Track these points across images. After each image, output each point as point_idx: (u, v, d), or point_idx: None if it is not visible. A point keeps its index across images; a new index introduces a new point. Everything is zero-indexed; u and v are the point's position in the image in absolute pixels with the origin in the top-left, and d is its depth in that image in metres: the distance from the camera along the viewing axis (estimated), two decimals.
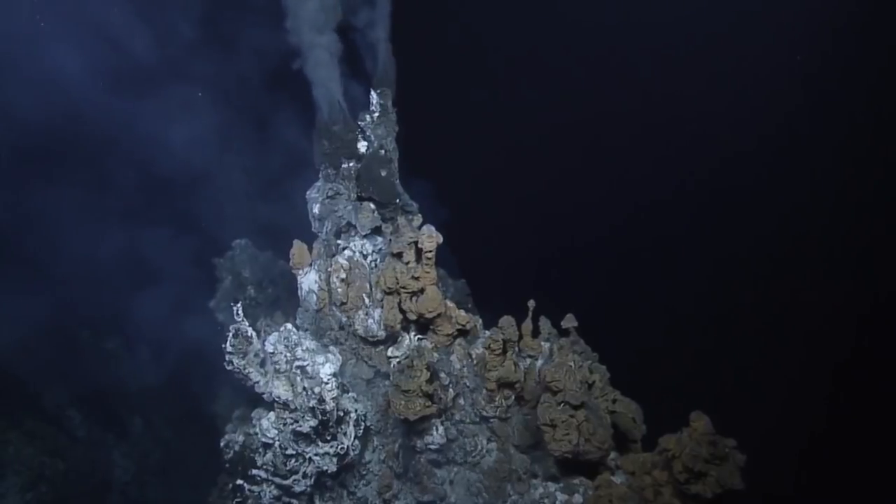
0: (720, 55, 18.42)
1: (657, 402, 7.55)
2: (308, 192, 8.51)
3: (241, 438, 7.55)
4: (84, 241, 11.72)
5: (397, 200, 8.09)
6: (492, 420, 7.56)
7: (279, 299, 10.50)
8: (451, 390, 7.49)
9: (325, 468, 7.26)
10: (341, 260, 7.85)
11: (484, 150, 18.76)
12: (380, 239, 8.23)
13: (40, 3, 11.65)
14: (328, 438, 7.17)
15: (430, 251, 7.39)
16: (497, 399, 7.45)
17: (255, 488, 7.39)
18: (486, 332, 7.85)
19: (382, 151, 8.12)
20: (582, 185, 18.95)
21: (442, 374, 7.49)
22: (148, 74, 11.92)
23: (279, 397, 7.11)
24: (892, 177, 17.78)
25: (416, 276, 7.36)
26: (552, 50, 19.30)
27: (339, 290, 7.75)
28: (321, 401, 7.08)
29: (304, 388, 7.12)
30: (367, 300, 7.70)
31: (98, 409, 13.14)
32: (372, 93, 8.20)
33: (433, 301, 7.37)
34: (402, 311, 7.54)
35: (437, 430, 7.39)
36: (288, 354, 7.23)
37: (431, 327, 7.67)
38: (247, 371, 7.13)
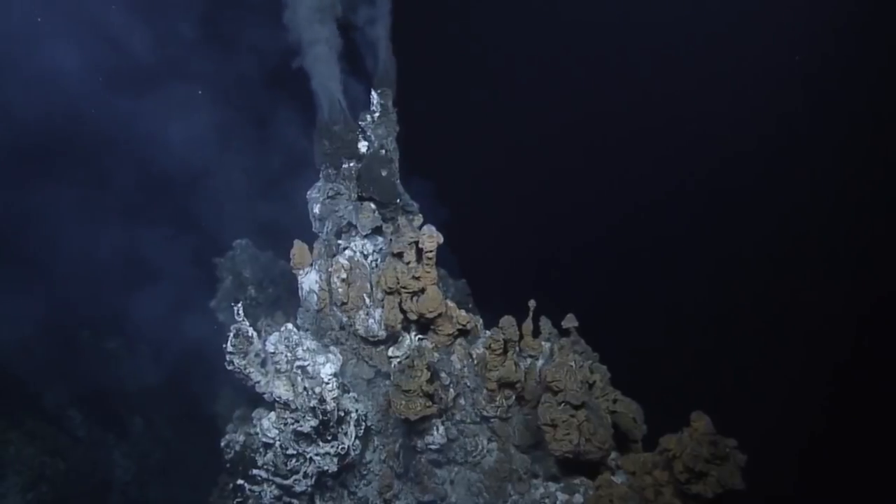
0: (720, 55, 18.42)
1: (658, 402, 7.55)
2: (309, 192, 8.52)
3: (241, 438, 7.56)
4: (85, 241, 11.73)
5: (398, 200, 8.09)
6: (492, 420, 7.57)
7: (280, 299, 10.50)
8: (451, 390, 7.49)
9: (325, 468, 7.26)
10: (342, 260, 7.85)
11: (484, 149, 18.77)
12: (380, 239, 8.24)
13: (38, 1, 11.63)
14: (329, 438, 7.18)
15: (431, 251, 7.40)
16: (498, 399, 7.46)
17: (255, 488, 7.39)
18: (487, 331, 7.86)
19: (383, 151, 8.13)
20: (582, 185, 18.96)
21: (442, 374, 7.49)
22: (149, 74, 11.92)
23: (280, 397, 7.11)
24: (892, 177, 17.78)
25: (416, 275, 7.37)
26: (552, 50, 19.31)
27: (340, 290, 7.75)
28: (322, 401, 7.09)
29: (305, 388, 7.12)
30: (367, 300, 7.70)
31: (99, 409, 13.15)
32: (372, 93, 8.21)
33: (434, 301, 7.37)
34: (402, 311, 7.54)
35: (437, 429, 7.39)
36: (289, 354, 7.23)
37: (432, 327, 7.68)
38: (247, 371, 7.13)
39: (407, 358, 7.18)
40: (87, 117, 11.64)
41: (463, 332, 7.74)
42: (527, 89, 19.54)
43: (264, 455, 7.32)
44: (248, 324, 7.19)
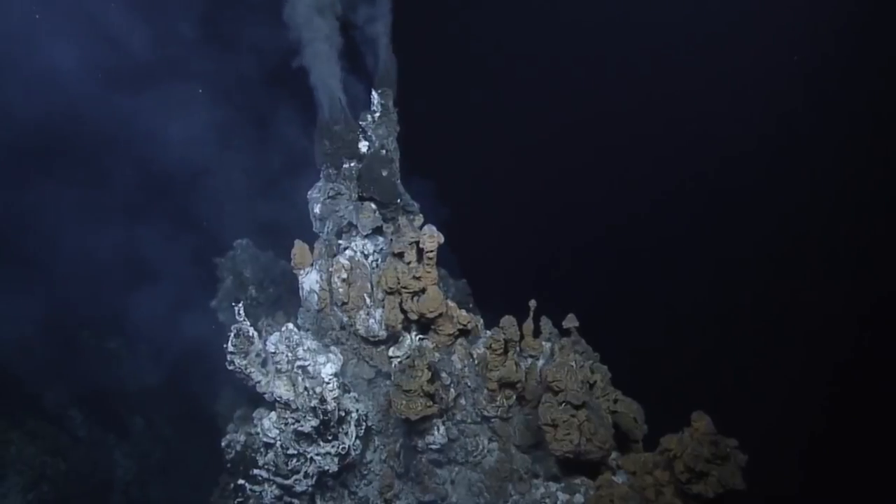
0: (720, 55, 18.41)
1: (658, 401, 7.55)
2: (309, 192, 8.52)
3: (242, 438, 7.56)
4: (86, 241, 11.72)
5: (398, 200, 8.10)
6: (493, 420, 7.57)
7: (280, 299, 10.51)
8: (452, 390, 7.49)
9: (326, 468, 7.27)
10: (343, 260, 7.86)
11: (485, 149, 18.76)
12: (381, 239, 8.24)
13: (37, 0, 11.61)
14: (329, 438, 7.18)
15: (432, 251, 7.40)
16: (498, 399, 7.46)
17: (256, 488, 7.39)
18: (488, 331, 7.86)
19: (384, 151, 8.13)
20: (582, 185, 18.95)
21: (443, 374, 7.49)
22: (150, 74, 11.93)
23: (281, 397, 7.11)
24: (893, 177, 17.78)
25: (417, 275, 7.37)
26: (553, 50, 19.30)
27: (341, 289, 7.75)
28: (322, 401, 7.09)
29: (306, 388, 7.12)
30: (368, 300, 7.71)
31: (99, 409, 13.16)
32: (373, 93, 8.21)
33: (434, 301, 7.37)
34: (403, 311, 7.54)
35: (438, 429, 7.40)
36: (289, 354, 7.24)
37: (433, 327, 7.68)
38: (248, 371, 7.14)
39: (408, 358, 7.19)
40: (89, 117, 11.64)
41: (464, 332, 7.74)
42: (527, 89, 19.53)
43: (265, 455, 7.32)
44: (248, 324, 7.19)
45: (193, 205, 12.13)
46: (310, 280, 8.06)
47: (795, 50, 18.26)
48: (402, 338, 7.76)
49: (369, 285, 7.79)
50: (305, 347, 7.30)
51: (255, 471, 7.34)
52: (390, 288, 7.46)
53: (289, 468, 7.22)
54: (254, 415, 7.65)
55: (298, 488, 7.32)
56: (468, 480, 7.59)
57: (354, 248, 8.08)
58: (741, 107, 18.87)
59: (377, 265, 8.08)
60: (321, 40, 8.00)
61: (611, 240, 19.05)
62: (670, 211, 19.52)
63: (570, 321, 7.47)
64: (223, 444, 7.69)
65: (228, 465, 7.59)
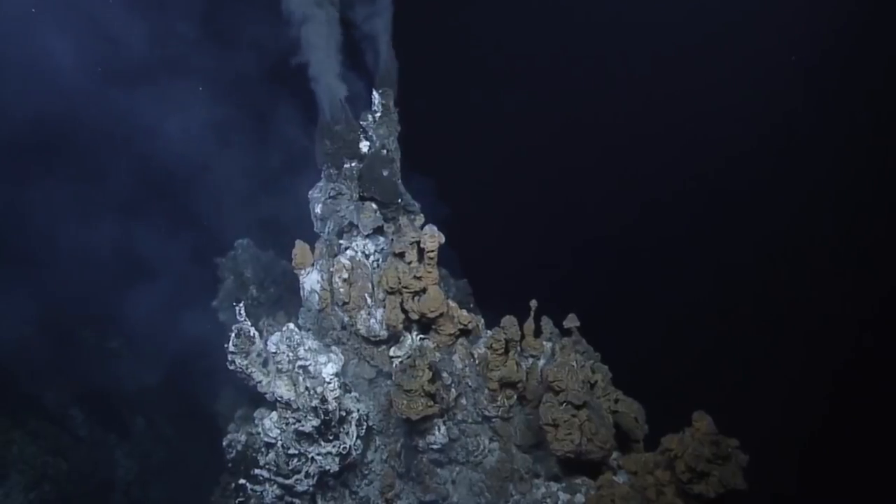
0: (721, 55, 18.41)
1: (659, 401, 7.55)
2: (310, 192, 8.53)
3: (243, 438, 7.57)
4: (87, 241, 11.74)
5: (399, 200, 8.10)
6: (494, 420, 7.57)
7: (281, 299, 10.51)
8: (453, 390, 7.49)
9: (327, 468, 7.27)
10: (343, 260, 7.86)
11: (486, 149, 18.76)
12: (382, 239, 8.25)
13: None
14: (330, 438, 7.18)
15: (432, 251, 7.40)
16: (499, 399, 7.46)
17: (257, 488, 7.40)
18: (488, 331, 7.85)
19: (384, 151, 8.13)
20: (583, 185, 18.94)
21: (444, 374, 7.50)
22: (151, 74, 11.92)
23: (281, 397, 7.12)
24: (893, 177, 17.77)
25: (418, 275, 7.37)
26: (553, 49, 19.29)
27: (342, 289, 7.75)
28: (323, 400, 7.09)
29: (307, 388, 7.13)
30: (369, 300, 7.71)
31: (101, 409, 13.17)
32: (374, 92, 8.21)
33: (435, 301, 7.37)
34: (404, 310, 7.54)
35: (439, 429, 7.40)
36: (290, 354, 7.24)
37: (433, 327, 7.68)
38: (249, 371, 7.14)
39: (408, 358, 7.19)
40: (92, 117, 11.65)
41: (464, 332, 7.74)
42: (528, 89, 19.53)
43: (266, 455, 7.32)
44: (249, 323, 7.20)
45: (194, 204, 12.15)
46: (311, 280, 8.07)
47: (795, 50, 18.25)
48: (403, 338, 7.76)
49: (370, 285, 7.79)
50: (306, 347, 7.31)
51: (257, 470, 7.34)
52: (391, 288, 7.46)
53: (290, 468, 7.23)
54: (255, 414, 7.65)
55: (299, 488, 7.33)
56: (469, 480, 7.59)
57: (355, 247, 8.08)
58: (742, 107, 18.85)
59: (378, 265, 8.08)
60: (322, 41, 8.00)
61: (612, 239, 19.05)
62: (671, 210, 19.51)
63: (571, 321, 7.47)
64: (224, 443, 7.70)
65: (229, 465, 7.60)
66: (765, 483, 6.96)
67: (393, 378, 7.36)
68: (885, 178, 17.86)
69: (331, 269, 7.87)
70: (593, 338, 7.63)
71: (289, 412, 7.14)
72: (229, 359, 7.13)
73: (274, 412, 7.32)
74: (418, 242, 7.55)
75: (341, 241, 8.20)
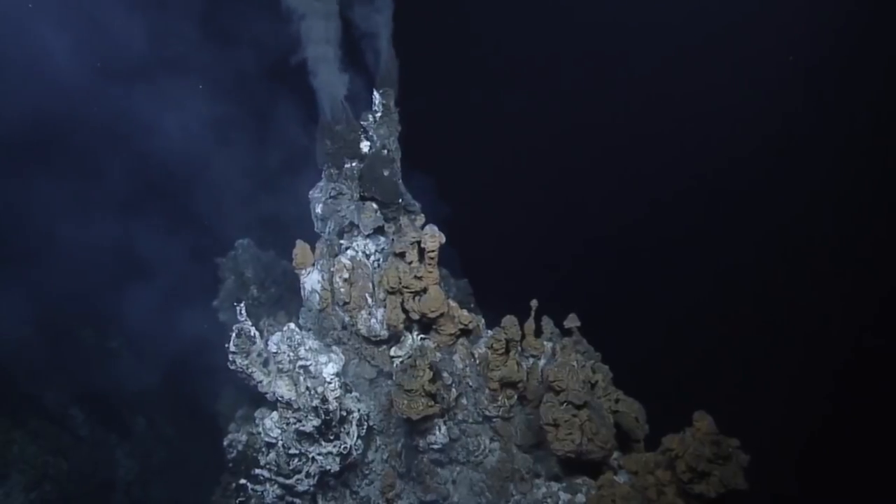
0: (721, 56, 18.41)
1: (660, 401, 7.55)
2: (311, 192, 8.52)
3: (244, 438, 7.57)
4: (87, 240, 11.74)
5: (400, 200, 8.10)
6: (494, 420, 7.57)
7: (282, 299, 10.52)
8: (453, 390, 7.49)
9: (328, 468, 7.27)
10: (344, 260, 7.86)
11: (486, 149, 18.77)
12: (382, 239, 8.25)
13: None
14: (331, 438, 7.18)
15: (433, 251, 7.40)
16: (500, 399, 7.46)
17: (258, 487, 7.40)
18: (489, 331, 7.85)
19: (385, 151, 8.13)
20: (584, 185, 18.96)
21: (445, 374, 7.50)
22: (151, 73, 11.92)
23: (282, 397, 7.12)
24: (893, 177, 17.76)
25: (418, 275, 7.37)
26: (553, 49, 19.31)
27: (342, 289, 7.75)
28: (324, 400, 7.09)
29: (307, 388, 7.13)
30: (369, 300, 7.71)
31: (101, 409, 13.16)
32: (374, 92, 8.20)
33: (436, 301, 7.37)
34: (404, 310, 7.54)
35: (439, 429, 7.40)
36: (291, 354, 7.24)
37: (434, 327, 7.68)
38: (250, 371, 7.14)
39: (409, 357, 7.19)
40: (92, 115, 11.64)
41: (465, 332, 7.74)
42: (529, 89, 19.54)
43: (267, 454, 7.33)
44: (250, 323, 7.20)
45: (195, 204, 12.15)
46: (311, 280, 8.07)
47: (795, 50, 18.25)
48: (403, 337, 7.76)
49: (371, 285, 7.79)
50: (307, 347, 7.31)
51: (257, 470, 7.35)
52: (392, 288, 7.46)
53: (290, 468, 7.23)
54: (255, 414, 7.65)
55: (300, 488, 7.33)
56: (470, 480, 7.60)
57: (356, 247, 8.08)
58: (742, 107, 18.86)
59: (379, 265, 8.08)
60: (323, 41, 8.00)
61: (612, 239, 19.06)
62: (671, 210, 19.52)
63: (572, 321, 7.47)
64: (225, 443, 7.70)
65: (230, 465, 7.61)
66: (765, 483, 6.96)
67: (393, 378, 7.36)
68: (885, 179, 17.86)
69: (331, 269, 7.87)
70: (594, 338, 7.63)
71: (289, 412, 7.15)
72: (230, 359, 7.13)
73: (275, 412, 7.32)
74: (419, 242, 7.54)
75: (342, 241, 8.20)
